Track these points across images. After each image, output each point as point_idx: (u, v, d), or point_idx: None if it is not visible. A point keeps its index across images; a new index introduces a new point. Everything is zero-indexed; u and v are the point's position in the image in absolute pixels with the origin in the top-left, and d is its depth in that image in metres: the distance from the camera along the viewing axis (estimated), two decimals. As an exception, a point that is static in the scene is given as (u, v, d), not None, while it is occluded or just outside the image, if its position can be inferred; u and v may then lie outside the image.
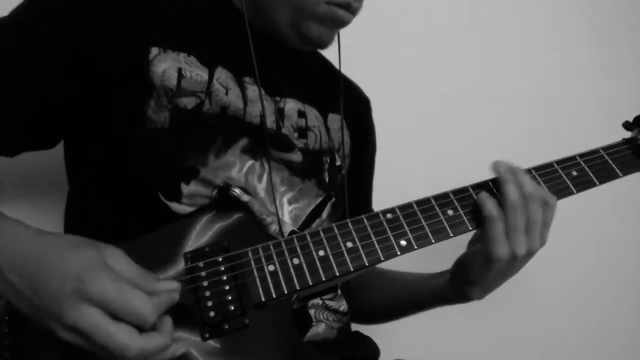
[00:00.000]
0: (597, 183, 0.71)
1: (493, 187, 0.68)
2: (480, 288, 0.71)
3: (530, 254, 0.66)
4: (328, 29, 0.74)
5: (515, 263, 0.66)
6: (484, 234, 0.66)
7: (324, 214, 0.77)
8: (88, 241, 0.52)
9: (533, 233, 0.65)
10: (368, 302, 0.89)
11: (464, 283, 0.72)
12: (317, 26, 0.73)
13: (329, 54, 0.89)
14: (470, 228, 0.67)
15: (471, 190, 0.68)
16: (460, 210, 0.67)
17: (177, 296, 0.53)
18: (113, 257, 0.51)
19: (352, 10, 0.73)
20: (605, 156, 0.73)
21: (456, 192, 0.68)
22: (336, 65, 0.87)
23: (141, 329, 0.49)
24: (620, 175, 0.73)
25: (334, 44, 0.79)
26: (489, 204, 0.65)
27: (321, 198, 0.77)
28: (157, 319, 0.51)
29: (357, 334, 0.81)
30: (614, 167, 0.73)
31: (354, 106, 0.90)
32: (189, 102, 0.67)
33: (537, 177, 0.70)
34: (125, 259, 0.52)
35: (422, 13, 1.34)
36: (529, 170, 0.70)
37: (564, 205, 0.70)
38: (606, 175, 0.72)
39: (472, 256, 0.70)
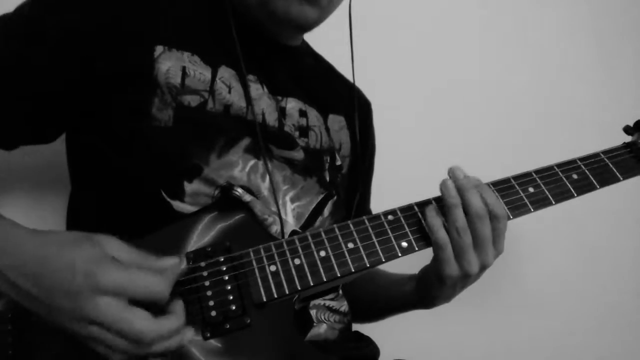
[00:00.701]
0: (598, 186, 0.72)
1: (437, 206, 0.66)
2: (441, 299, 0.73)
3: (485, 267, 0.66)
4: (297, 1, 0.69)
5: (470, 278, 0.66)
6: (434, 257, 0.66)
7: (326, 212, 0.77)
8: (83, 235, 0.53)
9: (484, 249, 0.64)
10: (355, 300, 0.90)
11: (427, 293, 0.74)
12: (281, 1, 0.69)
13: (330, 55, 0.89)
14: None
15: (416, 208, 0.67)
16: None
17: (180, 268, 0.54)
18: (111, 246, 0.52)
19: None
20: (606, 160, 0.73)
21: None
22: (339, 68, 0.87)
23: (155, 311, 0.51)
24: (621, 178, 0.73)
25: (334, 41, 0.78)
26: (436, 229, 0.64)
27: (322, 196, 0.77)
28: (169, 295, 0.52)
29: (358, 334, 0.81)
30: (615, 170, 0.73)
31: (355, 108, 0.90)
32: (192, 100, 0.67)
33: (538, 179, 0.70)
34: (123, 245, 0.53)
35: (422, 14, 1.34)
36: (529, 174, 0.70)
37: (562, 207, 0.71)
38: (607, 179, 0.72)
39: (427, 272, 0.72)
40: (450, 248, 0.64)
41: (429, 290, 0.72)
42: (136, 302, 0.50)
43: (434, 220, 0.64)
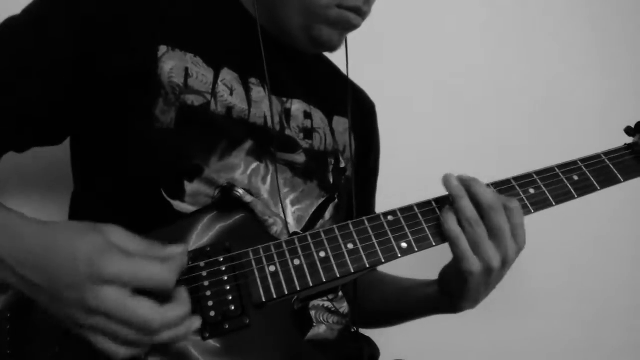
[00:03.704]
0: (599, 188, 0.71)
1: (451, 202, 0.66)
2: (468, 300, 0.70)
3: (507, 262, 0.64)
4: (338, 32, 0.75)
5: (493, 273, 0.64)
6: (452, 252, 0.65)
7: (327, 215, 0.77)
8: (88, 225, 0.53)
9: (503, 241, 0.63)
10: (364, 306, 0.89)
11: (451, 296, 0.71)
12: (327, 29, 0.74)
13: (334, 57, 0.89)
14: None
15: (416, 209, 0.66)
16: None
17: (186, 259, 0.54)
18: (117, 236, 0.52)
19: (362, 14, 0.74)
20: (607, 161, 0.73)
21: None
22: (342, 69, 0.87)
23: (161, 299, 0.50)
24: (622, 180, 0.73)
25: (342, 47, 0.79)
26: (449, 222, 0.63)
27: (323, 199, 0.77)
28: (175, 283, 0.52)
29: (357, 334, 0.81)
30: (616, 172, 0.73)
31: (359, 110, 0.90)
32: (196, 100, 0.67)
33: (539, 180, 0.70)
34: (127, 235, 0.53)
35: (423, 14, 1.34)
36: (529, 175, 0.70)
37: (562, 208, 0.70)
38: (607, 180, 0.72)
39: (449, 271, 0.70)
40: (465, 241, 0.63)
41: (451, 292, 0.70)
42: (141, 291, 0.50)
43: (447, 214, 0.64)
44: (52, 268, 0.50)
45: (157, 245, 0.53)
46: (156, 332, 0.50)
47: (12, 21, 0.66)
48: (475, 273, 0.63)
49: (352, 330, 0.78)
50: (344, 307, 0.77)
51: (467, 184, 0.64)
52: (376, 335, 0.84)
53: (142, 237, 0.54)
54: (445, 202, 0.66)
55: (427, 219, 0.66)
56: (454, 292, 0.70)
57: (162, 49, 0.67)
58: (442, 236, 0.65)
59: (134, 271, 0.49)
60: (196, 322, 0.54)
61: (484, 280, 0.65)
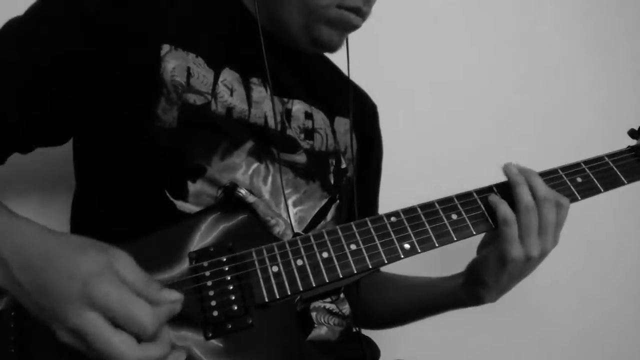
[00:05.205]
0: (602, 190, 0.72)
1: (497, 192, 0.69)
2: (495, 290, 0.72)
3: (543, 254, 0.67)
4: (338, 32, 0.75)
5: (529, 264, 0.67)
6: (499, 236, 0.66)
7: (329, 216, 0.77)
8: (99, 244, 0.52)
9: (546, 234, 0.66)
10: (372, 307, 0.89)
11: (478, 286, 0.73)
12: (328, 29, 0.74)
13: (335, 58, 0.89)
14: (475, 233, 0.67)
15: (475, 195, 0.69)
16: (464, 214, 0.67)
17: (179, 307, 0.52)
18: (121, 263, 0.50)
19: (362, 15, 0.74)
20: (610, 163, 0.73)
21: (460, 196, 0.68)
22: (343, 69, 0.87)
23: (140, 338, 0.49)
24: (625, 182, 0.73)
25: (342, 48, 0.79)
26: (503, 207, 0.66)
27: (325, 200, 0.77)
28: (157, 330, 0.49)
29: (358, 334, 0.81)
30: (619, 174, 0.73)
31: (361, 111, 0.90)
32: (197, 99, 0.67)
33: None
34: (132, 266, 0.51)
35: (423, 14, 1.34)
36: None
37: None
38: (611, 182, 0.72)
39: (485, 259, 0.71)
40: (516, 227, 0.65)
41: (481, 278, 0.71)
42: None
43: (498, 200, 0.67)
44: (47, 278, 0.49)
45: (156, 284, 0.52)
46: None
47: (14, 22, 0.66)
48: (516, 259, 0.66)
49: (354, 331, 0.78)
50: (345, 308, 0.77)
51: (526, 174, 0.67)
52: (376, 335, 0.84)
53: (146, 273, 0.52)
54: (447, 203, 0.67)
55: (430, 221, 0.66)
56: (485, 281, 0.71)
57: (165, 47, 0.67)
58: (444, 238, 0.65)
59: (120, 303, 0.47)
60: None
61: (520, 268, 0.67)
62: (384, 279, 0.92)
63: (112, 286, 0.48)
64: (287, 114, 0.77)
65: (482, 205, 0.68)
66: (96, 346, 0.46)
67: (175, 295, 0.52)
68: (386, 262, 0.63)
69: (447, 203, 0.68)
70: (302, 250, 0.62)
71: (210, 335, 0.57)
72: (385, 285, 0.90)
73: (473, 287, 0.74)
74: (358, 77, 0.91)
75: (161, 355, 0.50)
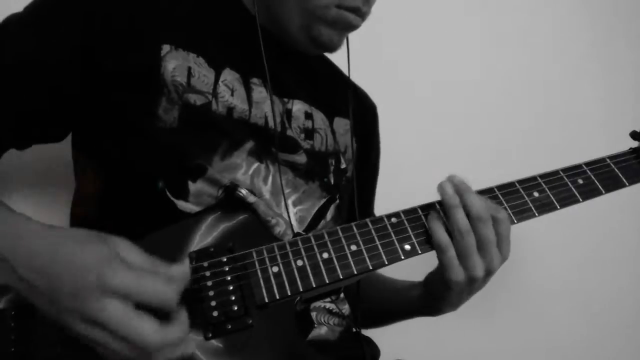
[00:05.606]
0: (603, 192, 0.71)
1: (440, 209, 0.66)
2: (449, 305, 0.72)
3: (491, 271, 0.65)
4: (338, 32, 0.75)
5: (476, 283, 0.65)
6: (438, 260, 0.65)
7: (328, 216, 0.77)
8: (96, 235, 0.53)
9: (488, 253, 0.63)
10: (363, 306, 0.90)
11: (433, 300, 0.73)
12: (327, 29, 0.74)
13: (335, 58, 0.89)
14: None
15: (420, 212, 0.66)
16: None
17: (189, 278, 0.54)
18: (124, 249, 0.51)
19: (362, 15, 0.74)
20: (612, 165, 0.73)
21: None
22: (343, 69, 0.87)
23: (161, 317, 0.50)
24: (627, 184, 0.73)
25: (342, 48, 0.79)
26: (438, 232, 0.63)
27: (324, 200, 0.77)
28: (177, 300, 0.51)
29: (358, 334, 0.81)
30: (621, 176, 0.73)
31: (360, 111, 0.90)
32: (198, 99, 0.67)
33: (543, 184, 0.70)
34: (135, 250, 0.52)
35: (424, 15, 1.34)
36: (534, 178, 0.70)
37: (565, 210, 0.70)
38: (612, 184, 0.72)
39: (433, 280, 0.71)
40: (453, 251, 0.63)
41: (435, 296, 0.72)
42: (142, 306, 0.49)
43: (435, 222, 0.64)
44: (55, 274, 0.49)
45: (162, 262, 0.53)
46: (154, 352, 0.49)
47: (14, 18, 0.66)
48: (459, 282, 0.64)
49: (354, 331, 0.78)
50: (345, 308, 0.77)
51: (460, 192, 0.64)
52: (376, 335, 0.84)
53: (146, 253, 0.53)
54: (432, 208, 0.66)
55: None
56: (437, 297, 0.71)
57: (166, 47, 0.67)
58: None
59: (138, 285, 0.49)
60: (191, 346, 0.53)
61: (467, 288, 0.66)
62: (375, 279, 0.92)
63: (124, 272, 0.49)
64: (287, 114, 0.77)
65: (425, 223, 0.65)
66: (121, 331, 0.47)
67: (184, 268, 0.54)
68: (387, 263, 0.63)
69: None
70: (302, 250, 0.62)
71: (210, 335, 0.57)
72: (375, 285, 0.90)
73: (429, 300, 0.74)
74: (358, 77, 0.91)
75: (183, 335, 0.51)
